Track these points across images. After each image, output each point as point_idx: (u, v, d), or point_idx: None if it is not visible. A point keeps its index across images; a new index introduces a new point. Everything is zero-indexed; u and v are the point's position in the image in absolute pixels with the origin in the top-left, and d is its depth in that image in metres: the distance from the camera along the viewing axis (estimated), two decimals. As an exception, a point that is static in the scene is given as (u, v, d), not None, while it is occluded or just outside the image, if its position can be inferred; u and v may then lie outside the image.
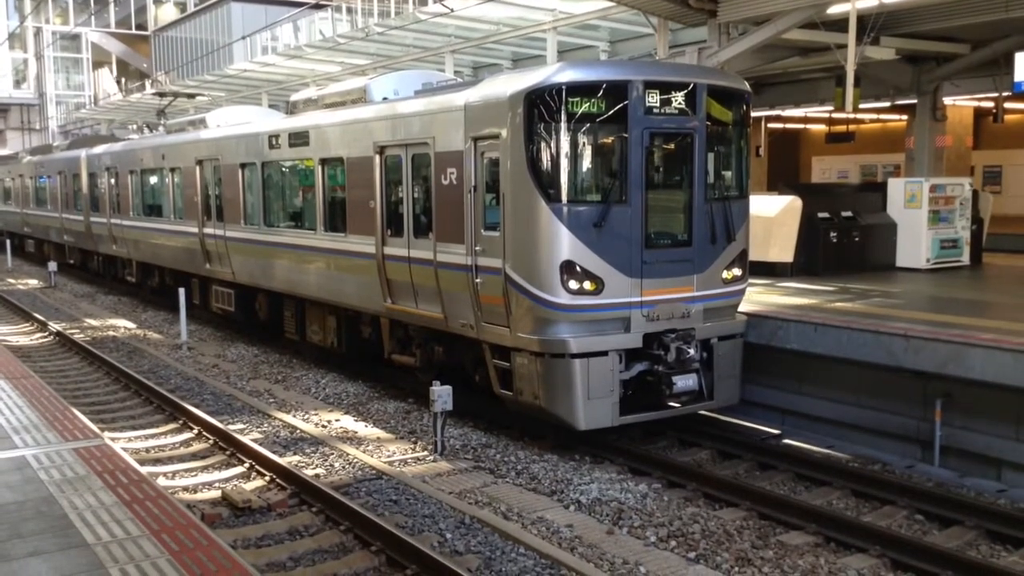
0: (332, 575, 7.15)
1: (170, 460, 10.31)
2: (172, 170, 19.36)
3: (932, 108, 18.15)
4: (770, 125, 28.79)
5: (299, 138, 14.20)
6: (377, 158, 12.09)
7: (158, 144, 20.66)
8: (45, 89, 61.38)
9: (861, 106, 15.49)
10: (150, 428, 11.64)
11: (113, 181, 23.38)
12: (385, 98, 12.94)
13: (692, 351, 10.09)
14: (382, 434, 11.21)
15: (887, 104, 21.35)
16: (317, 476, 9.38)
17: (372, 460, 9.97)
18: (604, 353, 9.74)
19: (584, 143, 9.79)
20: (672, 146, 10.22)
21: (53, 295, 25.27)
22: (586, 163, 9.99)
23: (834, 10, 13.75)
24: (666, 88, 9.87)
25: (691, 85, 10.05)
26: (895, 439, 10.36)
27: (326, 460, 10.09)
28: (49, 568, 5.49)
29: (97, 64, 60.72)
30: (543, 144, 9.55)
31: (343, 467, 9.81)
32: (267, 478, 9.38)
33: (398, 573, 7.15)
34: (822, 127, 31.09)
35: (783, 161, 32.81)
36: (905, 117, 22.27)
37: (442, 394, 10.09)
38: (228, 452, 10.34)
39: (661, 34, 15.94)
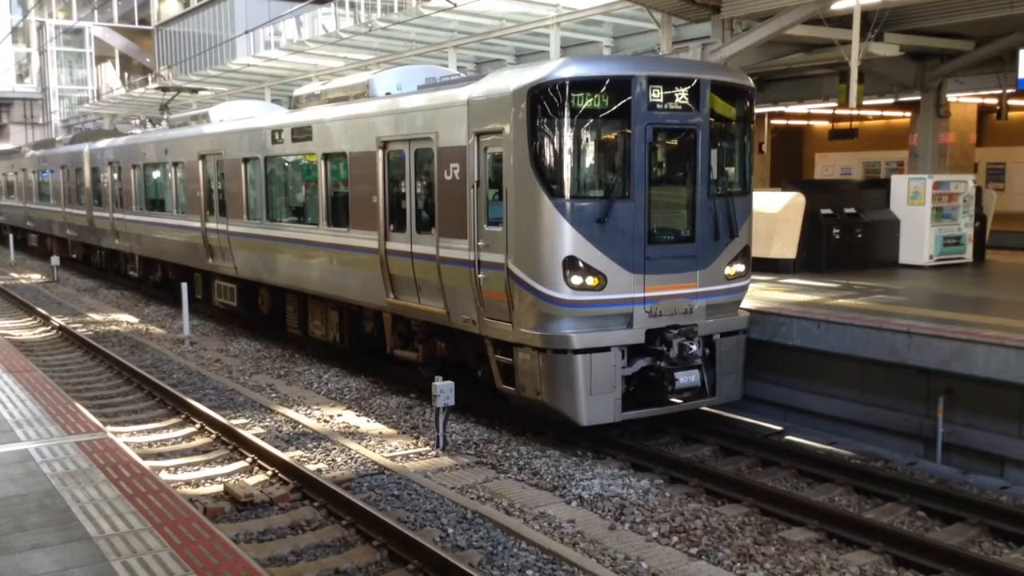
0: (334, 569, 7.15)
1: (172, 454, 10.32)
2: (175, 165, 19.37)
3: (936, 105, 18.11)
4: (773, 121, 28.72)
5: (302, 133, 14.20)
6: (380, 153, 12.08)
7: (161, 139, 20.66)
8: (48, 83, 61.45)
9: (865, 102, 15.43)
10: (152, 422, 11.65)
11: (116, 176, 23.38)
12: (388, 93, 12.93)
13: (694, 347, 10.07)
14: (384, 429, 11.21)
15: (891, 101, 21.31)
16: (319, 471, 9.39)
17: (374, 455, 9.97)
18: (606, 349, 9.74)
19: (587, 138, 9.78)
20: (675, 142, 10.20)
21: (56, 289, 25.29)
22: (589, 158, 9.98)
23: (838, 6, 13.72)
24: (670, 83, 9.85)
25: (695, 81, 10.03)
26: (897, 436, 10.35)
27: (328, 455, 10.10)
28: (51, 561, 5.50)
29: (100, 59, 60.78)
30: (546, 139, 9.54)
31: (345, 462, 9.82)
32: (269, 473, 9.39)
33: (400, 568, 7.15)
34: (825, 123, 31.01)
35: (786, 157, 32.73)
36: (909, 114, 22.22)
37: (444, 389, 10.10)
38: (230, 447, 10.35)
39: (664, 30, 15.92)
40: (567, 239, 9.53)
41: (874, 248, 16.03)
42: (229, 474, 9.55)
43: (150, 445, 10.66)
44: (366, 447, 10.35)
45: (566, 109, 9.46)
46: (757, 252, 12.01)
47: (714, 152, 10.36)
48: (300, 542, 7.65)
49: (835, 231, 15.64)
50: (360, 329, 13.72)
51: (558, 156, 9.52)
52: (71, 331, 17.46)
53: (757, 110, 12.05)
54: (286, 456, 9.55)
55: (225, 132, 17.16)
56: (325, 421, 11.55)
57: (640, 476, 9.51)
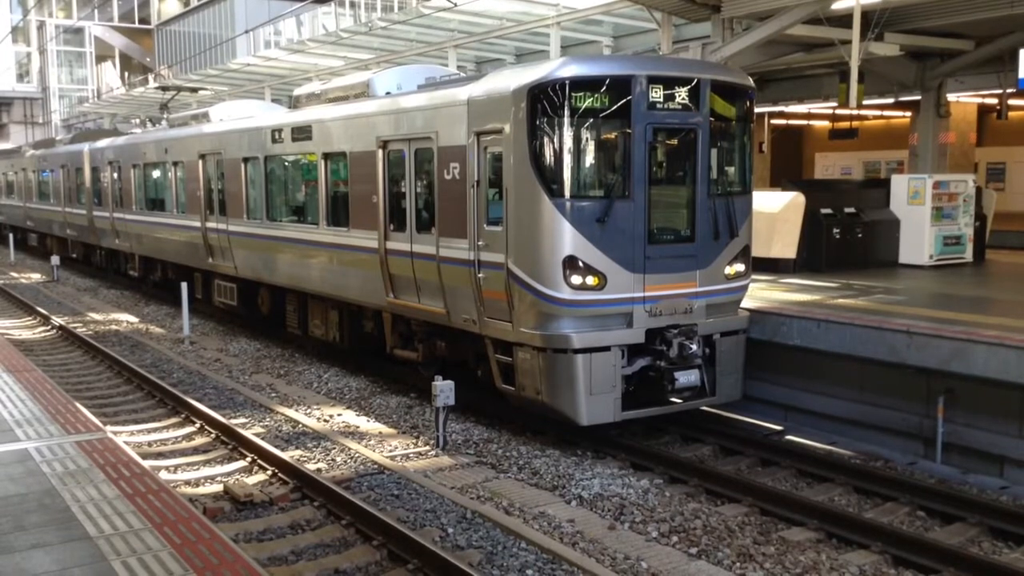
0: (334, 569, 7.15)
1: (172, 454, 10.32)
2: (175, 164, 19.37)
3: (936, 104, 18.11)
4: (773, 121, 28.72)
5: (302, 132, 14.20)
6: (380, 153, 12.08)
7: (161, 138, 20.66)
8: (48, 83, 61.45)
9: (865, 102, 15.42)
10: (152, 422, 11.65)
11: (116, 175, 23.38)
12: (388, 92, 12.93)
13: (694, 347, 10.07)
14: (384, 429, 11.22)
15: (891, 100, 21.31)
16: (319, 470, 9.39)
17: (374, 455, 9.97)
18: (606, 348, 9.74)
19: (587, 138, 9.77)
20: (675, 141, 10.20)
21: (56, 289, 25.29)
22: (589, 158, 9.98)
23: (838, 6, 13.71)
24: (670, 83, 9.85)
25: (695, 80, 10.03)
26: (897, 435, 10.35)
27: (328, 455, 10.09)
28: (51, 560, 5.50)
29: (100, 58, 60.77)
30: (546, 139, 9.54)
31: (345, 462, 9.82)
32: (269, 472, 9.39)
33: (399, 567, 7.15)
34: (825, 123, 31.00)
35: (786, 157, 32.73)
36: (909, 113, 22.21)
37: (444, 389, 10.10)
38: (230, 446, 10.34)
39: (665, 29, 15.91)
40: (567, 239, 9.53)
41: (874, 248, 16.02)
42: (229, 474, 9.55)
43: (150, 445, 10.66)
44: (366, 447, 10.35)
45: (566, 108, 9.46)
46: (757, 252, 12.01)
47: (714, 152, 10.36)
48: (300, 542, 7.66)
49: (835, 231, 15.64)
50: (360, 329, 13.73)
51: (558, 156, 9.52)
52: (71, 331, 17.46)
53: (757, 110, 12.06)
54: (286, 456, 9.55)
55: (225, 131, 17.16)
56: (325, 421, 11.55)
57: (640, 476, 9.51)
